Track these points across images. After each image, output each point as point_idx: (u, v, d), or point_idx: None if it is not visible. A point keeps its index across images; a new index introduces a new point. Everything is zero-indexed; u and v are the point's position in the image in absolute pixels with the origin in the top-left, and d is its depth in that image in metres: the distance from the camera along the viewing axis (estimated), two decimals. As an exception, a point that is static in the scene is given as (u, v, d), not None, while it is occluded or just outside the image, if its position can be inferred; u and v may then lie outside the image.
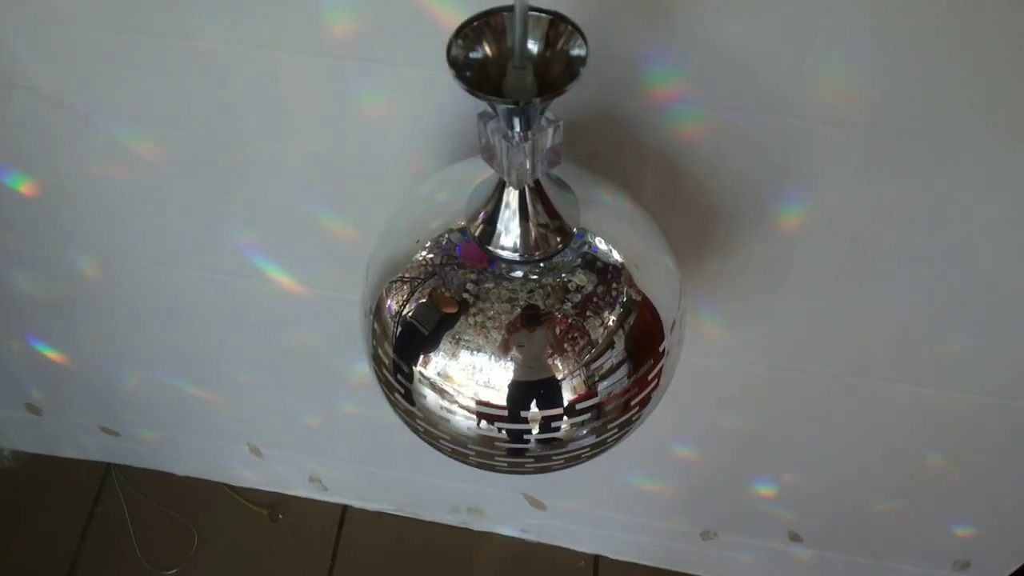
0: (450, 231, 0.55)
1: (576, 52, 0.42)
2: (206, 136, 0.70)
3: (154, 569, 1.32)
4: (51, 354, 1.12)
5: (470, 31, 0.42)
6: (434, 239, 0.55)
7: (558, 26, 0.42)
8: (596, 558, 1.31)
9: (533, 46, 0.43)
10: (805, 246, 0.69)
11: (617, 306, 0.53)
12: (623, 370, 0.53)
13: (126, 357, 1.11)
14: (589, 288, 0.53)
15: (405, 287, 0.56)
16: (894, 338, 0.76)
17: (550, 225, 0.51)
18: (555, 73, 0.42)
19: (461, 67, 0.42)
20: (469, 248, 0.54)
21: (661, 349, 0.56)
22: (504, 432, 0.52)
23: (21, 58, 0.68)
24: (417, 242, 0.56)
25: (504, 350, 0.51)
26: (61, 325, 1.05)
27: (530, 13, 0.41)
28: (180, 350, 1.05)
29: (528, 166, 0.46)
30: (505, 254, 0.51)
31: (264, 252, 0.84)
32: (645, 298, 0.55)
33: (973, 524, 0.98)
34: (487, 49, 0.42)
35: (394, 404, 0.59)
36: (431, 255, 0.55)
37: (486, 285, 0.52)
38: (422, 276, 0.55)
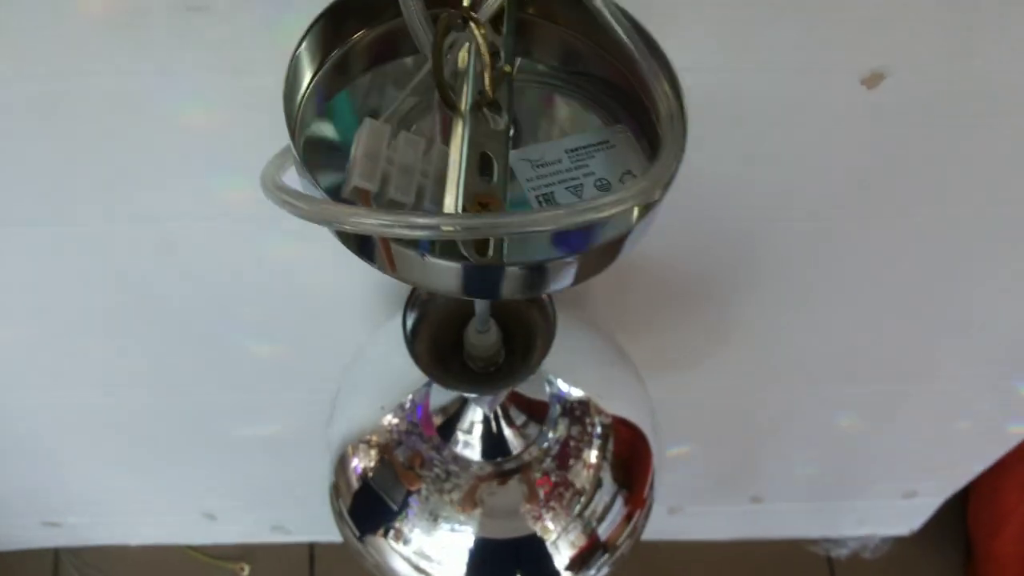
0: (415, 393, 0.53)
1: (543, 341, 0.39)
2: (101, 297, 0.65)
3: (134, 647, 1.29)
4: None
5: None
6: (398, 405, 0.53)
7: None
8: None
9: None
10: (750, 300, 0.70)
11: (595, 439, 0.53)
12: (619, 500, 0.53)
13: (59, 462, 1.05)
14: (563, 434, 0.52)
15: (373, 452, 0.55)
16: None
17: (518, 427, 0.49)
18: (521, 322, 0.40)
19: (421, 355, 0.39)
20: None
21: (651, 464, 0.56)
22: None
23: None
24: (382, 408, 0.54)
25: (486, 524, 0.50)
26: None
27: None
28: (112, 450, 1.01)
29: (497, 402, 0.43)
30: (469, 456, 0.49)
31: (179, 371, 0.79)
32: (617, 419, 0.55)
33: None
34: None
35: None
36: (395, 419, 0.54)
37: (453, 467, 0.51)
38: (390, 445, 0.53)
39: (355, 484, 0.55)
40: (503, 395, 0.45)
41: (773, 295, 0.68)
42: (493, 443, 0.48)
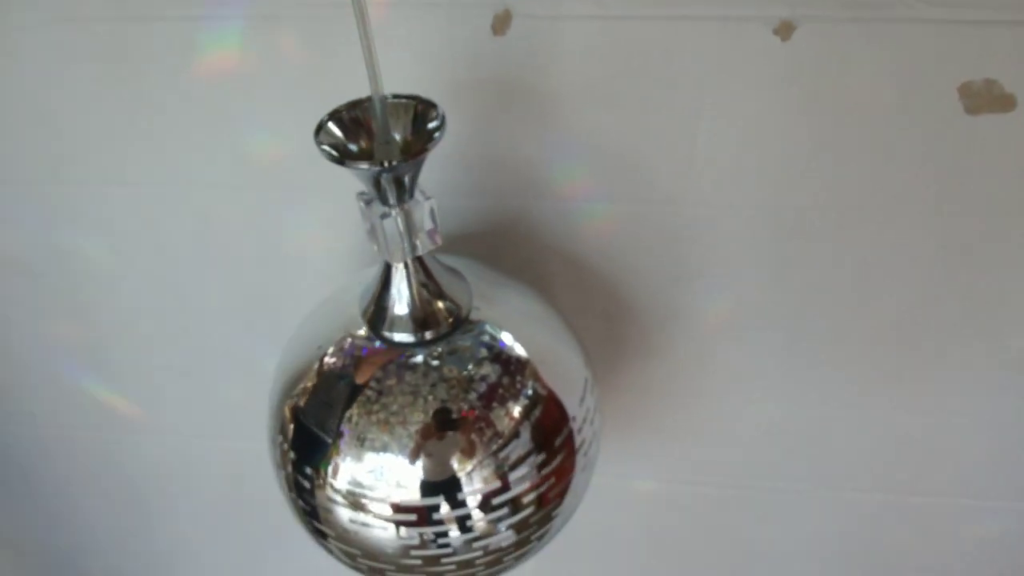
0: (353, 336, 0.55)
1: (432, 124, 0.45)
2: (145, 283, 0.72)
3: None
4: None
5: (343, 117, 0.45)
6: (336, 343, 0.55)
7: (418, 109, 0.46)
8: None
9: (400, 130, 0.46)
10: (731, 342, 0.69)
11: (521, 397, 0.52)
12: (531, 460, 0.51)
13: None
14: (493, 379, 0.52)
15: (308, 395, 0.55)
16: (854, 441, 0.75)
17: (436, 302, 0.51)
18: (419, 146, 0.45)
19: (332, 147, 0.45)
20: (374, 351, 0.54)
21: (572, 443, 0.54)
22: (418, 535, 0.50)
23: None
24: (319, 347, 0.56)
25: (409, 445, 0.50)
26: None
27: (391, 100, 0.45)
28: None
29: (405, 239, 0.47)
30: (398, 336, 0.51)
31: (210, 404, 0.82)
32: (551, 392, 0.54)
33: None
34: (362, 142, 0.46)
35: (304, 523, 0.55)
36: (333, 359, 0.55)
37: (388, 382, 0.52)
38: (325, 382, 0.54)
39: (291, 431, 0.55)
40: (405, 249, 0.48)
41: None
42: (413, 312, 0.51)
